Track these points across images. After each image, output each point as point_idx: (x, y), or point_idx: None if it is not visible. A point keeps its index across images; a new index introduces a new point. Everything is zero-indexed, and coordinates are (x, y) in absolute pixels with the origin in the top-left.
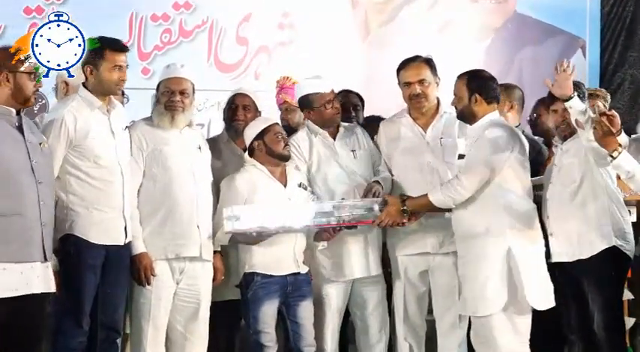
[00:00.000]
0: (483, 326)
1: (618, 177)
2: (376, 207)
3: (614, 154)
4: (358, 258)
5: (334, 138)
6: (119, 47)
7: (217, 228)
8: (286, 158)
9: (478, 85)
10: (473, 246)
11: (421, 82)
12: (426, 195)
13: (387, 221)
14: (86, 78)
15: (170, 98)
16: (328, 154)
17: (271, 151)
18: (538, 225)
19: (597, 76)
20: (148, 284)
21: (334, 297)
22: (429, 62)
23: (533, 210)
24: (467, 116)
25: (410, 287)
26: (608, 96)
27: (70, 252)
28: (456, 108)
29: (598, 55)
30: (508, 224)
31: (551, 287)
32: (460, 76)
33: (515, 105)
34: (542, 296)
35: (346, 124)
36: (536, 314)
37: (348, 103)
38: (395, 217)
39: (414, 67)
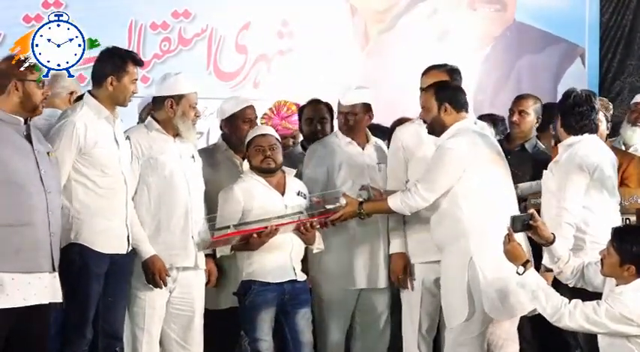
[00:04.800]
0: (449, 337)
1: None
2: (342, 201)
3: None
4: (364, 269)
5: (363, 148)
6: (140, 61)
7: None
8: (266, 171)
9: (447, 95)
10: (444, 256)
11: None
12: (385, 199)
13: (341, 219)
14: (100, 87)
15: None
16: (350, 160)
17: (250, 164)
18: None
19: (596, 84)
20: (165, 285)
21: (340, 302)
22: (450, 72)
23: (500, 218)
24: (437, 128)
25: (427, 296)
26: (611, 106)
27: (75, 260)
28: (424, 121)
29: (597, 63)
30: (470, 234)
31: (518, 297)
32: (427, 88)
33: (539, 118)
34: (504, 305)
35: (377, 139)
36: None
37: (316, 116)
38: (352, 216)
39: (429, 75)
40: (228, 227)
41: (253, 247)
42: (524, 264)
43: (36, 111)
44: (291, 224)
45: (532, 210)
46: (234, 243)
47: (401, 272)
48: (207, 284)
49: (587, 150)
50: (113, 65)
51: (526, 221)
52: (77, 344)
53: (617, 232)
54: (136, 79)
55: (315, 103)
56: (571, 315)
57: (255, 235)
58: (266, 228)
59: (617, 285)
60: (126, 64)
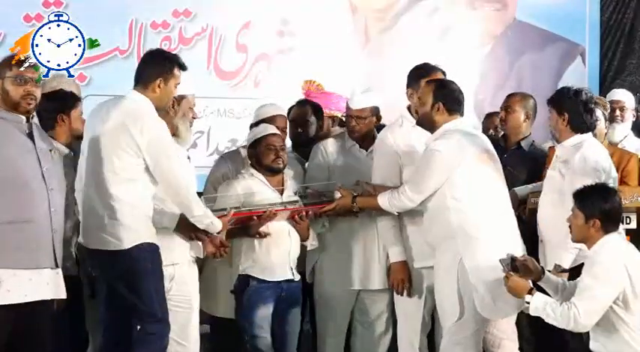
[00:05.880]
0: (444, 335)
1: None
2: (337, 194)
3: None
4: (360, 270)
5: (367, 150)
6: (184, 66)
7: None
8: (275, 170)
9: (444, 94)
10: (436, 257)
11: None
12: (376, 196)
13: (337, 210)
14: (146, 89)
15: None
16: (354, 163)
17: (260, 162)
18: (496, 235)
19: (597, 83)
20: (205, 237)
21: (339, 301)
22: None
23: (490, 218)
24: (425, 123)
25: (430, 297)
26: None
27: (145, 257)
28: (416, 112)
29: (598, 61)
30: (459, 234)
31: (509, 296)
32: (429, 82)
33: (530, 114)
34: (497, 305)
35: None
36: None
37: (299, 119)
38: (345, 209)
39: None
40: (226, 209)
41: (251, 231)
42: (530, 292)
43: (18, 108)
44: (287, 210)
45: (510, 254)
46: (231, 225)
47: (407, 280)
48: (220, 256)
49: (596, 151)
50: (162, 68)
51: (509, 263)
52: (166, 335)
53: (577, 193)
54: (179, 83)
55: (300, 105)
56: (579, 311)
57: (255, 218)
58: (264, 212)
59: (589, 250)
60: (173, 67)
